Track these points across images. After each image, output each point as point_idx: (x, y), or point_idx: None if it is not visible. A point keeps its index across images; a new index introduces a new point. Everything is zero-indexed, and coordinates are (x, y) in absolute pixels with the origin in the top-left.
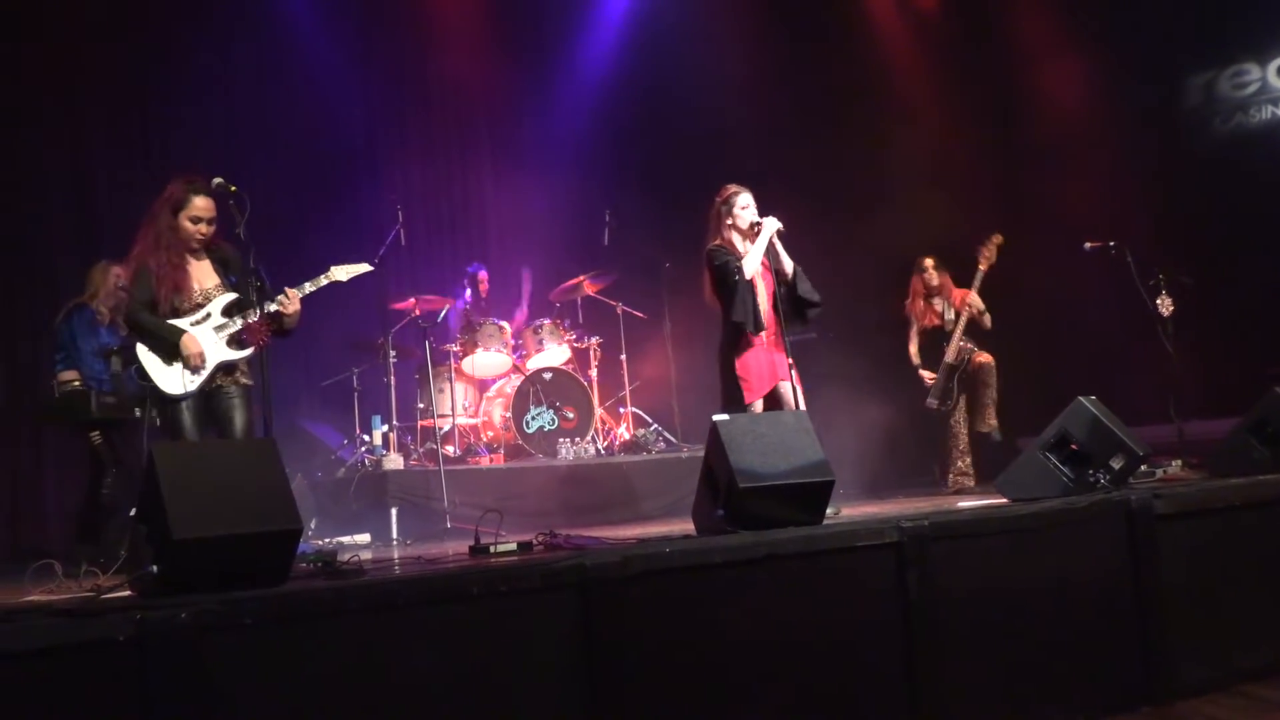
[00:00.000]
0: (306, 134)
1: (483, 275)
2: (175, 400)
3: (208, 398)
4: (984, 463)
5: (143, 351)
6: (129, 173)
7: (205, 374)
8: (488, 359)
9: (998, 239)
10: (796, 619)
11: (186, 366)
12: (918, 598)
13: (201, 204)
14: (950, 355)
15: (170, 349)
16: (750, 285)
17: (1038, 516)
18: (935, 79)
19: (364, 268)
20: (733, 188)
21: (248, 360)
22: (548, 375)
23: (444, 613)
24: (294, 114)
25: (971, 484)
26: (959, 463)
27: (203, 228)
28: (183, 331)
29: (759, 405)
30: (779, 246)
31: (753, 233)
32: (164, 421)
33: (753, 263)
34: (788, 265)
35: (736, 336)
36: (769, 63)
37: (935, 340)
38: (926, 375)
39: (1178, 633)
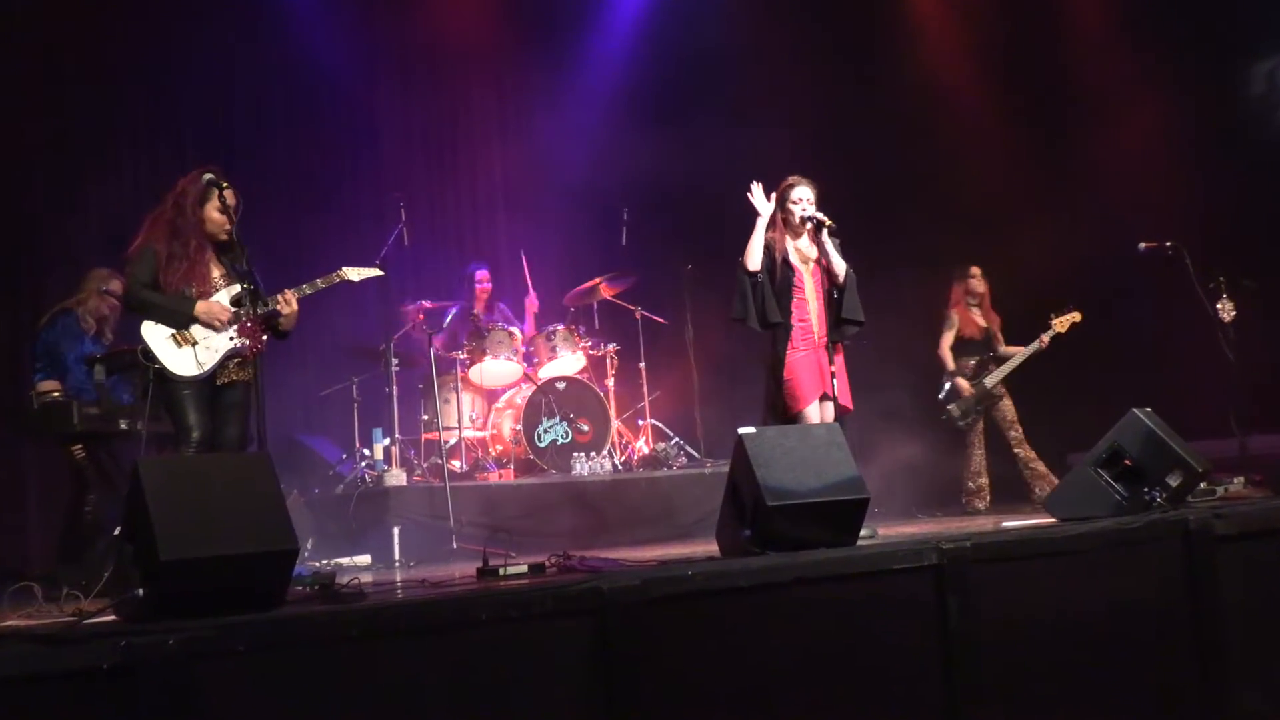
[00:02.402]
0: (304, 128)
1: (480, 275)
2: (182, 383)
3: (217, 390)
4: (1000, 483)
5: (149, 332)
6: (118, 173)
7: (218, 357)
8: (497, 367)
9: (1076, 316)
10: (828, 648)
11: (209, 327)
12: (958, 624)
13: (228, 195)
14: (993, 380)
15: (183, 322)
16: (762, 279)
17: (1088, 537)
18: (981, 69)
19: (375, 271)
20: (794, 178)
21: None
22: (561, 385)
23: (450, 640)
24: (291, 107)
25: (983, 506)
26: (970, 484)
27: (230, 217)
28: (194, 301)
29: (812, 413)
30: (829, 246)
31: (804, 229)
32: (166, 406)
33: (753, 251)
34: (839, 267)
35: (781, 339)
36: (804, 48)
37: (969, 350)
38: (965, 386)
39: (1238, 661)
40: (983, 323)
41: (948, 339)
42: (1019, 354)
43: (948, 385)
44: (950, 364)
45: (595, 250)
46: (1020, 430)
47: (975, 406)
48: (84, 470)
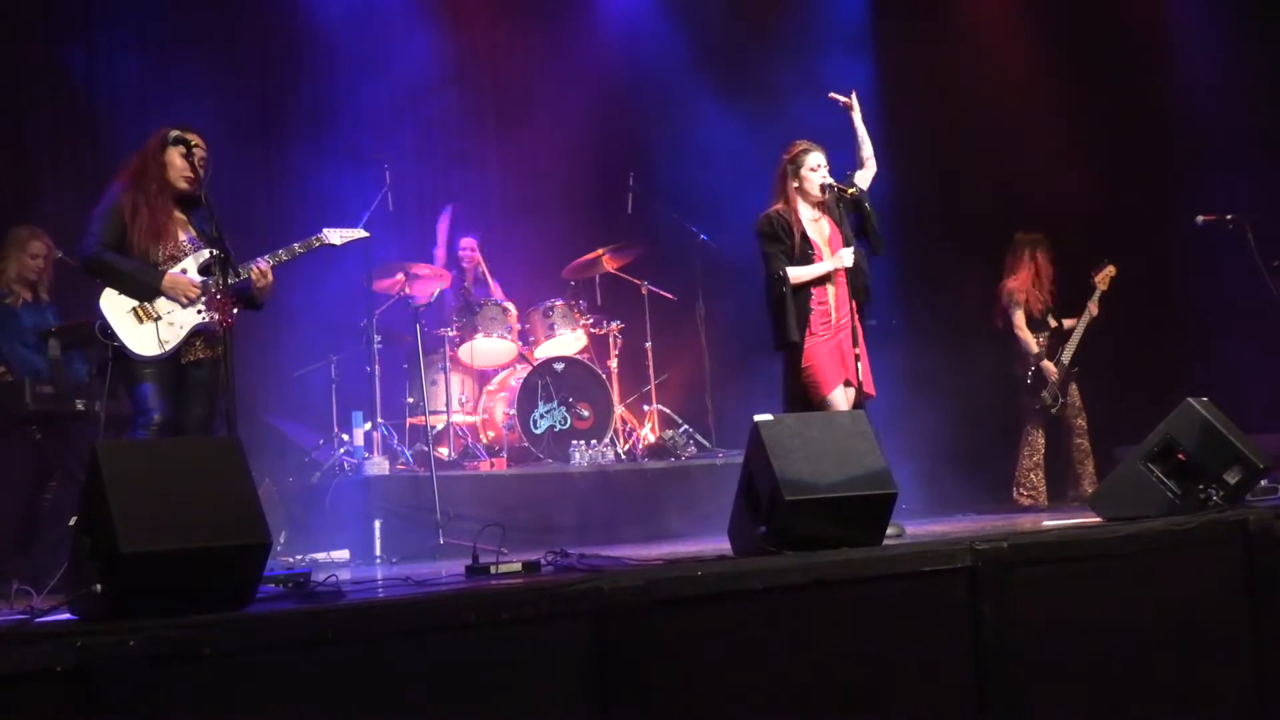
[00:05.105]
0: (278, 82)
1: (466, 243)
2: (143, 362)
3: (182, 370)
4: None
5: (108, 306)
6: (72, 135)
7: (183, 335)
8: (489, 346)
9: (1110, 270)
10: (850, 656)
11: (174, 302)
12: (993, 632)
13: (193, 138)
14: (1068, 356)
15: (148, 294)
16: (801, 290)
17: (1137, 539)
18: (1031, 29)
19: (360, 233)
20: (803, 144)
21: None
22: (559, 366)
23: (436, 643)
24: (264, 58)
25: (1043, 503)
26: (1030, 475)
27: (194, 163)
28: (161, 273)
29: (835, 400)
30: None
31: (823, 198)
32: (126, 386)
33: (806, 274)
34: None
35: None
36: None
37: (1036, 328)
38: (1052, 369)
39: None
40: (1044, 296)
41: (1020, 318)
42: (1077, 326)
43: (1033, 370)
44: (1034, 346)
45: (598, 218)
46: (1086, 420)
47: (1061, 388)
48: (47, 454)
